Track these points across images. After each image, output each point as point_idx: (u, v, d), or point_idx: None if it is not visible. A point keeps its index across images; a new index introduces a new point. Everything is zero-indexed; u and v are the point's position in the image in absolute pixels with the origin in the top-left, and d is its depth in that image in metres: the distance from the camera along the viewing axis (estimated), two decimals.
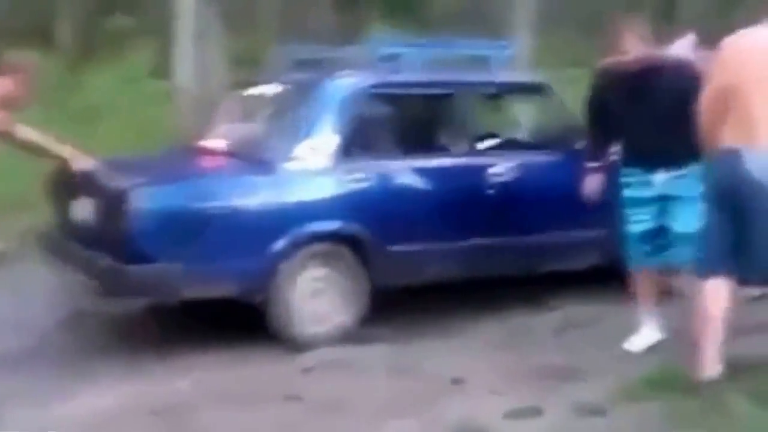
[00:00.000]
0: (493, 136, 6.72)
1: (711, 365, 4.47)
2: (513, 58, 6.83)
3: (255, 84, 6.56)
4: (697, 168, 4.95)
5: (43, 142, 5.56)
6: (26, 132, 5.42)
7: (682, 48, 5.69)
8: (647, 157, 5.21)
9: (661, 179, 5.21)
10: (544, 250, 6.18)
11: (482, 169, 6.05)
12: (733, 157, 4.40)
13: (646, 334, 5.37)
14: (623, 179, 5.32)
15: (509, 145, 6.66)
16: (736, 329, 4.60)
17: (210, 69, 9.46)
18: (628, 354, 5.22)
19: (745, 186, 4.38)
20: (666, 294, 5.46)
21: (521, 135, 7.14)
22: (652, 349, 5.24)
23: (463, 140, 6.19)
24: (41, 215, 6.68)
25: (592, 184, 5.51)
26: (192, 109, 9.13)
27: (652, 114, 5.14)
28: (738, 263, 4.47)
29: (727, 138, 4.43)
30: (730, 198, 4.45)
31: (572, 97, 6.41)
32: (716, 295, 4.49)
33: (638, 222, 5.29)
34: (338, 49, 6.59)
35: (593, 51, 6.48)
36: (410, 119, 6.29)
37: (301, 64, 6.38)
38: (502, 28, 11.14)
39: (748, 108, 4.37)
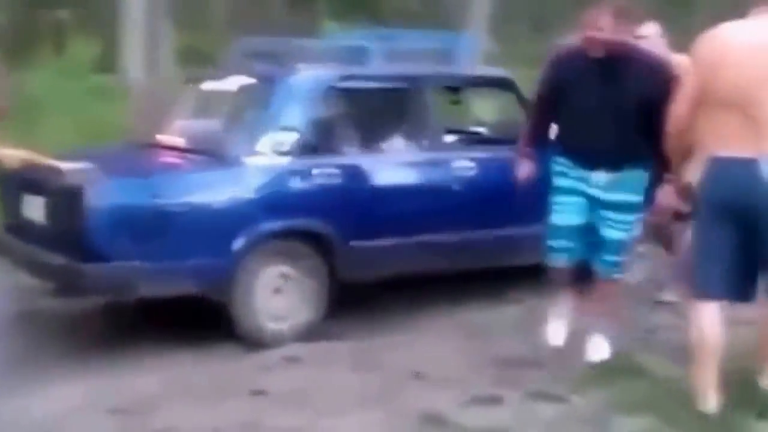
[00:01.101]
0: (456, 130, 6.73)
1: (711, 392, 4.15)
2: (474, 53, 6.86)
3: (212, 77, 6.48)
4: (637, 173, 4.79)
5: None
6: None
7: (652, 37, 5.57)
8: (591, 153, 4.82)
9: (599, 180, 4.85)
10: (504, 244, 6.18)
11: (445, 163, 6.06)
12: (745, 165, 3.95)
13: (560, 326, 5.15)
14: (557, 167, 4.97)
15: (472, 140, 6.65)
16: None
17: (159, 64, 9.33)
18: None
19: (763, 197, 3.95)
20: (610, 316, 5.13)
21: (484, 130, 7.14)
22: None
23: (426, 135, 6.17)
24: None
25: (525, 171, 5.13)
26: (142, 104, 8.98)
27: (613, 105, 4.74)
28: (758, 281, 4.12)
29: (721, 144, 4.00)
30: (741, 211, 3.99)
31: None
32: (712, 319, 4.09)
33: (565, 213, 4.95)
34: (295, 41, 6.48)
35: (545, 50, 6.47)
36: (373, 113, 6.24)
37: (256, 57, 6.29)
38: (454, 26, 11.16)
39: (750, 112, 3.95)
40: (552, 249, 4.99)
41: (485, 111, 7.49)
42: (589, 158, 4.83)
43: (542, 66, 5.12)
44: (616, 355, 4.96)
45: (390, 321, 5.87)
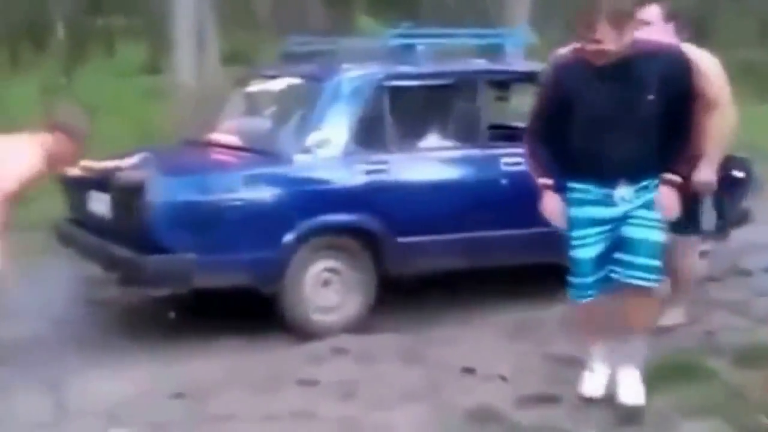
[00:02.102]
0: (504, 126, 6.73)
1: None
2: (522, 48, 6.77)
3: (263, 77, 6.66)
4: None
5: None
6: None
7: (655, 22, 5.12)
8: (610, 165, 4.28)
9: (624, 195, 4.31)
10: (553, 241, 6.20)
11: (493, 159, 6.11)
12: None
13: (598, 375, 4.57)
14: (573, 195, 4.41)
15: (520, 136, 6.67)
16: None
17: (207, 65, 9.59)
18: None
19: None
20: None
21: None
22: (661, 336, 5.00)
23: (474, 131, 6.26)
24: (47, 207, 6.83)
25: (553, 206, 4.47)
26: (190, 105, 9.22)
27: (629, 110, 4.24)
28: None
29: None
30: None
31: None
32: None
33: (587, 246, 4.39)
34: (343, 41, 6.65)
35: None
36: (421, 111, 6.35)
37: (304, 57, 6.46)
38: (492, 23, 11.23)
39: None
40: (575, 286, 4.45)
41: None
42: (609, 172, 4.29)
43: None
44: (678, 356, 4.84)
45: (438, 316, 5.94)
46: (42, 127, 4.97)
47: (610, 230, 4.33)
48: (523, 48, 6.62)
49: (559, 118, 4.33)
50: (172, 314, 5.89)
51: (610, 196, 4.30)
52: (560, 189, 4.41)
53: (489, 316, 5.86)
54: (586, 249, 4.37)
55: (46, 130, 4.95)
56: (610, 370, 4.51)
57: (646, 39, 4.40)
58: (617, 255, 4.33)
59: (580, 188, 4.37)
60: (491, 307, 6.05)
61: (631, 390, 4.36)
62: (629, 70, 4.24)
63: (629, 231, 4.30)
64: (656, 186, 4.30)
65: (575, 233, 4.39)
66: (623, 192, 4.28)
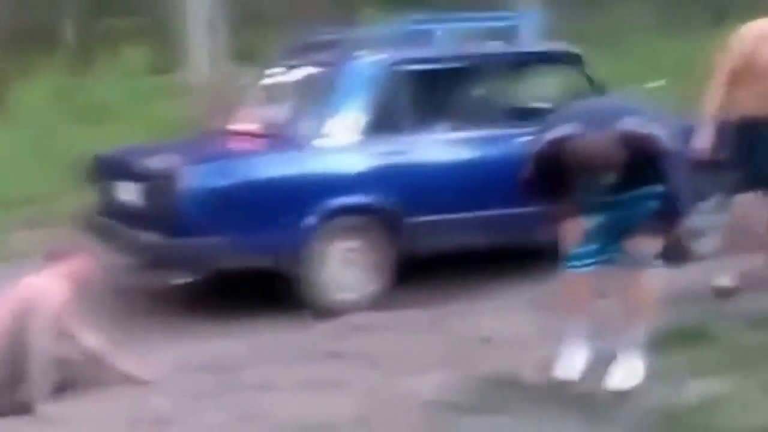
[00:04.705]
0: (522, 107, 6.81)
1: None
2: (538, 30, 6.79)
3: (280, 68, 6.86)
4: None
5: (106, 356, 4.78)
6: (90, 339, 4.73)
7: None
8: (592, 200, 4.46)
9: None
10: None
11: (508, 140, 6.18)
12: None
13: (576, 355, 4.58)
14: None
15: (537, 117, 6.60)
16: None
17: (219, 61, 9.82)
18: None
19: None
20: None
21: (549, 106, 6.93)
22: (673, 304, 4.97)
23: (490, 112, 6.42)
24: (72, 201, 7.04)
25: (573, 232, 4.51)
26: (207, 99, 9.42)
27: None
28: None
29: None
30: None
31: None
32: None
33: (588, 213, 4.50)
34: (358, 30, 6.83)
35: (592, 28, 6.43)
36: (436, 94, 6.46)
37: (318, 47, 6.63)
38: (501, 7, 11.30)
39: None
40: (572, 255, 4.51)
41: (552, 87, 7.38)
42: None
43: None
44: (689, 321, 4.96)
45: (457, 291, 6.07)
46: (51, 262, 4.88)
47: (613, 209, 4.42)
48: (536, 30, 6.71)
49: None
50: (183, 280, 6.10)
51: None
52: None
53: (506, 290, 6.00)
54: (588, 216, 4.46)
55: (56, 262, 4.83)
56: (591, 353, 4.53)
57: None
58: (620, 238, 4.44)
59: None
60: (509, 281, 6.17)
61: (626, 375, 4.41)
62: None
63: (630, 208, 4.41)
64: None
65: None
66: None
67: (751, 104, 5.51)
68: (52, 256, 4.86)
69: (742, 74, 5.51)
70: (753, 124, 5.51)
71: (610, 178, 4.23)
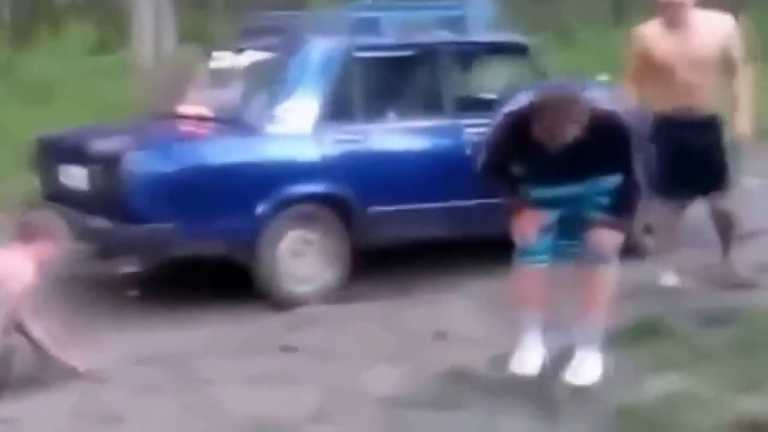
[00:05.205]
0: (470, 97, 6.77)
1: None
2: (487, 19, 6.74)
3: (231, 50, 6.70)
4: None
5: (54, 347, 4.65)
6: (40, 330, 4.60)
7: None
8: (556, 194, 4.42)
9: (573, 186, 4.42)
10: None
11: (460, 130, 6.18)
12: None
13: (533, 350, 4.54)
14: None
15: (489, 106, 6.62)
16: None
17: (165, 43, 9.65)
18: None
19: None
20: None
21: (501, 96, 6.83)
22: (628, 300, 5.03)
23: (441, 102, 6.34)
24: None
25: (528, 221, 4.41)
26: (153, 80, 9.27)
27: (576, 170, 4.35)
28: None
29: None
30: None
31: None
32: None
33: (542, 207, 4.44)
34: (307, 14, 6.72)
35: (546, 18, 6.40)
36: (388, 82, 6.39)
37: (268, 31, 6.50)
38: None
39: None
40: (526, 249, 4.46)
41: (501, 77, 7.22)
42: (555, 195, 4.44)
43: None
44: (647, 318, 4.95)
45: (412, 285, 6.03)
46: (21, 238, 4.77)
47: (570, 202, 4.38)
48: (485, 20, 6.66)
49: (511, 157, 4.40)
50: (135, 293, 5.99)
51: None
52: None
53: (462, 284, 5.96)
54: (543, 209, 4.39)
55: (26, 240, 4.73)
56: (547, 348, 4.51)
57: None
58: (576, 232, 4.41)
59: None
60: (464, 275, 6.12)
61: (584, 370, 4.38)
62: (578, 150, 4.21)
63: (587, 213, 4.37)
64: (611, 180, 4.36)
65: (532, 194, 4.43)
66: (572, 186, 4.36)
67: (662, 102, 5.54)
68: (23, 232, 4.73)
69: (646, 72, 5.55)
70: (668, 124, 5.49)
71: (570, 153, 4.15)
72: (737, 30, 5.62)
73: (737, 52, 5.57)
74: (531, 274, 4.48)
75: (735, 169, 5.63)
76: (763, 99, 5.96)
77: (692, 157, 5.47)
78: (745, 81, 5.59)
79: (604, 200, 4.38)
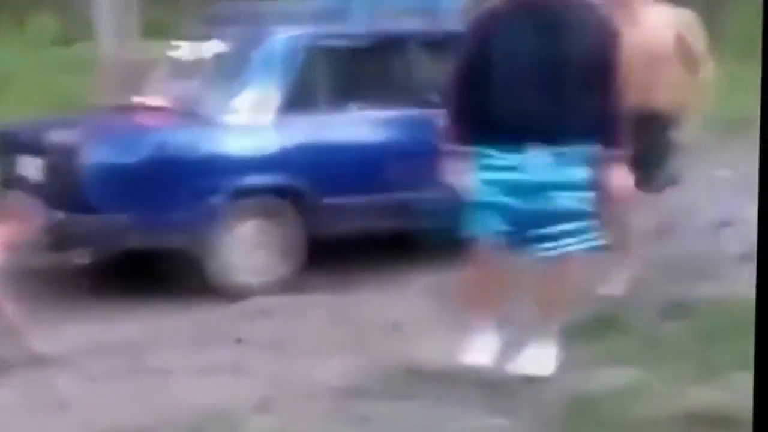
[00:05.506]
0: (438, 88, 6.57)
1: None
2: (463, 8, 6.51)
3: (189, 41, 6.67)
4: (581, 149, 4.13)
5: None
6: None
7: None
8: (525, 125, 4.05)
9: (537, 162, 4.09)
10: None
11: (423, 121, 6.00)
12: None
13: (486, 341, 4.42)
14: (480, 161, 4.19)
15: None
16: None
17: (128, 34, 9.58)
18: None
19: None
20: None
21: None
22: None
23: (407, 92, 6.30)
24: None
25: (457, 172, 4.23)
26: (113, 72, 9.18)
27: (551, 66, 4.05)
28: None
29: None
30: None
31: None
32: None
33: (498, 217, 4.16)
34: (271, 4, 6.69)
35: None
36: (351, 72, 6.33)
37: (231, 21, 6.48)
38: None
39: None
40: (476, 221, 4.23)
41: None
42: (522, 133, 4.06)
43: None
44: (601, 310, 4.92)
45: (366, 277, 5.99)
46: None
47: (525, 199, 4.12)
48: (457, 9, 6.58)
49: (476, 76, 4.13)
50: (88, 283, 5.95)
51: (521, 165, 4.09)
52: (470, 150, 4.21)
53: (416, 276, 5.93)
54: (490, 221, 4.17)
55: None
56: (502, 339, 4.42)
57: None
58: (540, 230, 4.18)
59: (488, 153, 4.14)
60: (419, 267, 6.04)
61: (538, 362, 4.31)
62: (554, 23, 4.06)
63: (551, 205, 4.13)
64: (579, 157, 4.11)
65: (479, 201, 4.19)
66: (537, 158, 4.08)
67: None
68: None
69: None
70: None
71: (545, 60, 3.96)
72: (696, 25, 5.49)
73: (696, 47, 5.43)
74: (489, 265, 4.32)
75: (674, 168, 5.50)
76: (736, 92, 5.91)
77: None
78: (704, 78, 5.43)
79: (580, 173, 4.10)
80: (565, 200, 4.14)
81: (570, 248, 4.20)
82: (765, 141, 1.18)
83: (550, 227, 4.16)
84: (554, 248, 4.18)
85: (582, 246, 4.22)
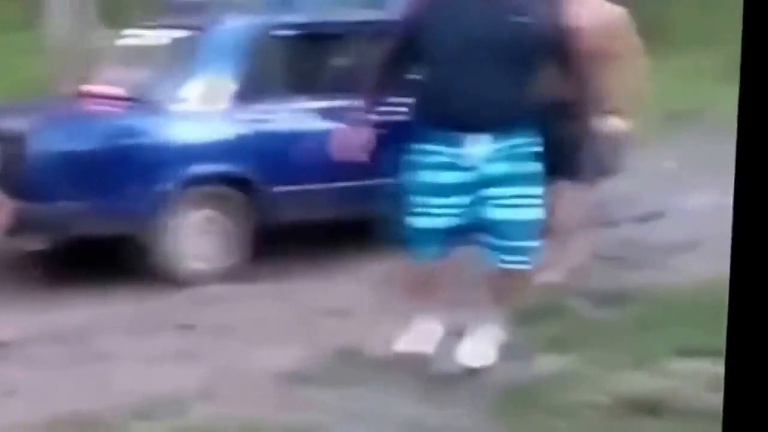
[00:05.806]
0: None
1: None
2: None
3: (144, 28, 6.71)
4: (530, 137, 3.87)
5: None
6: None
7: None
8: (466, 110, 3.68)
9: (480, 152, 3.76)
10: None
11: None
12: None
13: (428, 330, 4.41)
14: (417, 152, 3.93)
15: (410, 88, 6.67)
16: None
17: (82, 20, 9.56)
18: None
19: None
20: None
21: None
22: None
23: (358, 82, 6.29)
24: None
25: (348, 142, 4.10)
26: (67, 59, 9.16)
27: (497, 42, 3.68)
28: None
29: None
30: None
31: None
32: None
33: (431, 216, 3.91)
34: None
35: None
36: (302, 61, 6.34)
37: (183, 9, 6.52)
38: None
39: None
40: (414, 248, 4.13)
41: None
42: (463, 119, 3.71)
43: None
44: (541, 297, 4.88)
45: (313, 264, 6.05)
46: None
47: (467, 204, 3.88)
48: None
49: (410, 49, 3.88)
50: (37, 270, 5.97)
51: (461, 156, 3.80)
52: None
53: (360, 264, 5.98)
54: (428, 219, 3.94)
55: None
56: (444, 328, 4.40)
57: None
58: (484, 238, 4.03)
59: (426, 141, 3.87)
60: (363, 255, 6.08)
61: (479, 351, 4.29)
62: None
63: (496, 213, 3.88)
64: (528, 147, 3.87)
65: (416, 199, 3.95)
66: (479, 148, 3.78)
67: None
68: None
69: None
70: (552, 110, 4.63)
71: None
72: (627, 20, 5.43)
73: (627, 43, 5.35)
74: (421, 263, 4.24)
75: (607, 159, 5.44)
76: (680, 83, 5.95)
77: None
78: (635, 74, 5.34)
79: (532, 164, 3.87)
80: (509, 207, 3.91)
81: (514, 266, 4.09)
82: (742, 132, 1.25)
83: (495, 240, 4.01)
84: (500, 262, 4.08)
85: (526, 265, 4.12)
